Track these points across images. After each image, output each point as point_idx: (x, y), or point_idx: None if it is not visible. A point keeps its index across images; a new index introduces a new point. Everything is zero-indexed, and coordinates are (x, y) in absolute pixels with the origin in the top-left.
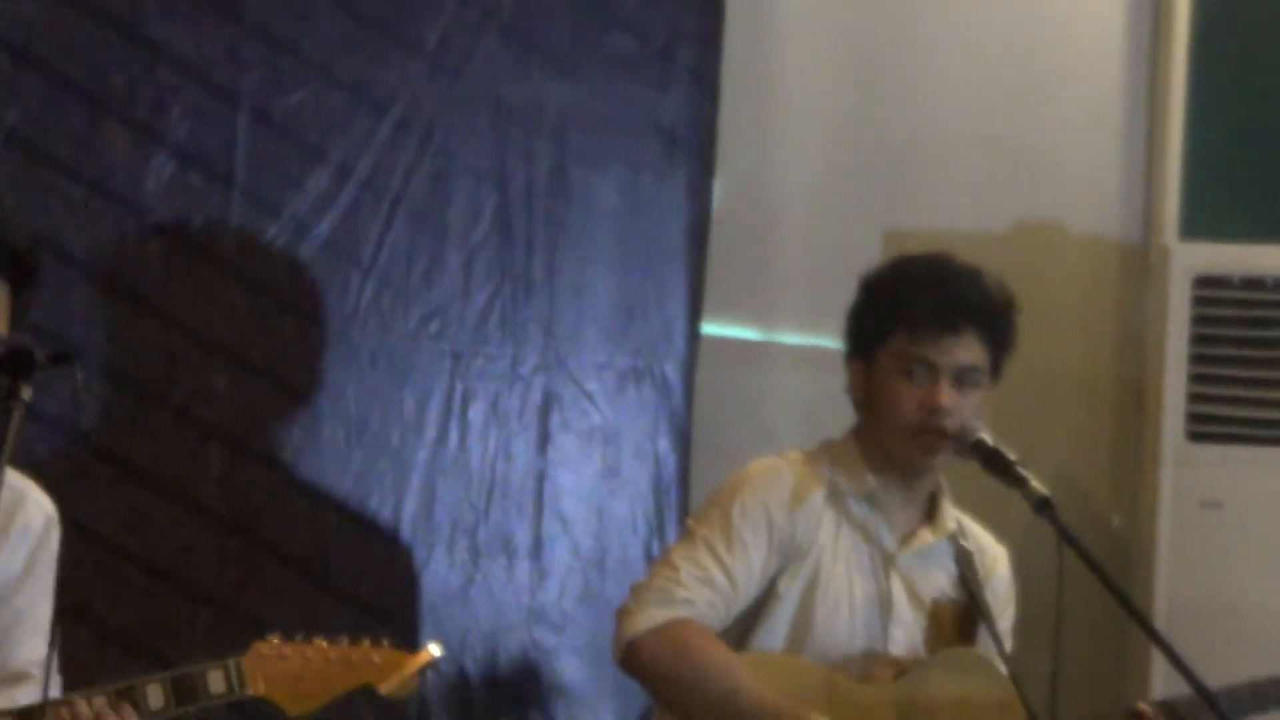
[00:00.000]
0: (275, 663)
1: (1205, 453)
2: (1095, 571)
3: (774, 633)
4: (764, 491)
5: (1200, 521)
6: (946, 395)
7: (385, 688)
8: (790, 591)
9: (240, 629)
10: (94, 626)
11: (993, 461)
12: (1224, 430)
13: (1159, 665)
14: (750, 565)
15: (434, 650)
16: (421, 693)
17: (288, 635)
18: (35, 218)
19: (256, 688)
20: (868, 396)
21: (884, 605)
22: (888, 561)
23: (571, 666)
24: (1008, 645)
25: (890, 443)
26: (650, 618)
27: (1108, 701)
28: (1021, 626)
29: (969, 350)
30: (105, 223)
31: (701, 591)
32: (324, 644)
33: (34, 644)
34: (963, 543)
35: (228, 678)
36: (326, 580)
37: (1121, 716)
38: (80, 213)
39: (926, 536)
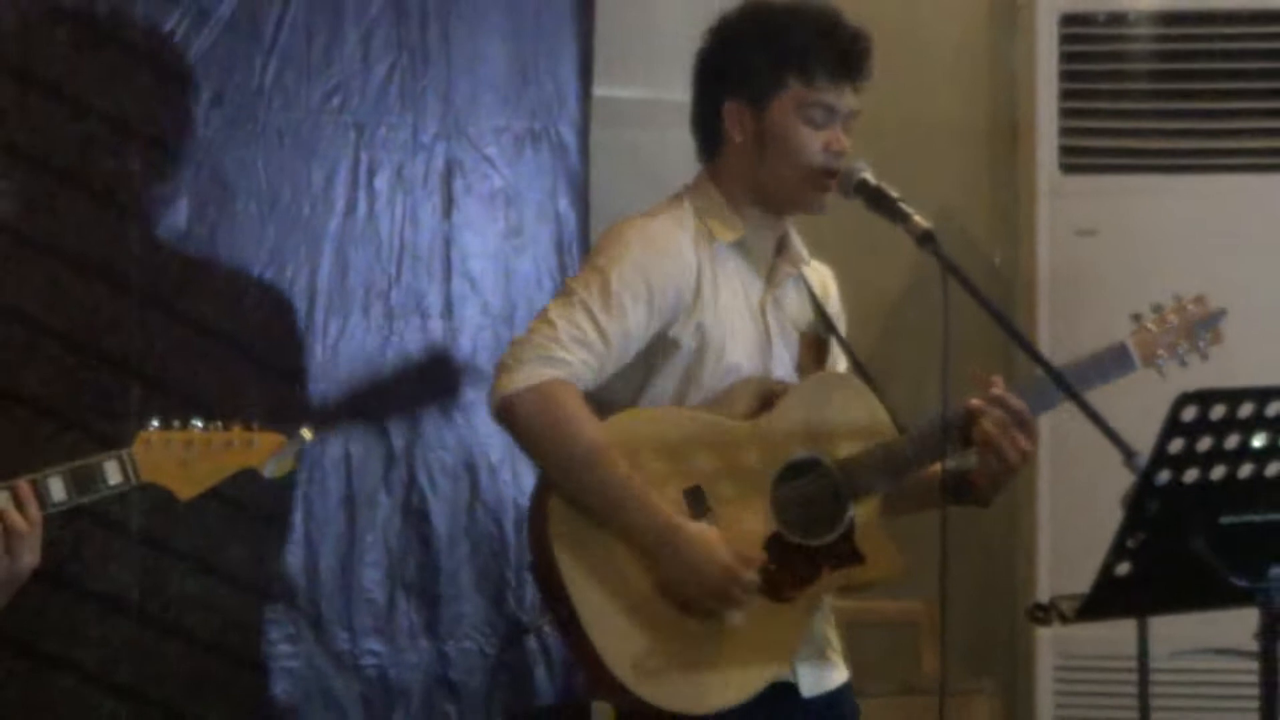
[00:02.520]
0: (162, 450)
1: (1078, 183)
2: (976, 297)
3: (667, 382)
4: (640, 252)
5: (1076, 249)
6: (844, 138)
7: (266, 469)
8: (683, 340)
9: (170, 402)
10: (28, 405)
11: (876, 199)
12: (1094, 161)
13: None
14: (627, 327)
15: (306, 434)
16: (350, 453)
17: (167, 422)
18: None
19: (150, 475)
20: (754, 140)
21: (762, 345)
22: (762, 303)
23: (487, 419)
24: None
25: (781, 183)
26: (527, 376)
27: None
28: (911, 358)
29: (854, 96)
30: (9, 11)
31: (578, 352)
32: (203, 430)
33: None
34: (808, 272)
35: (123, 468)
36: (249, 349)
37: (958, 415)
38: None
39: (789, 270)
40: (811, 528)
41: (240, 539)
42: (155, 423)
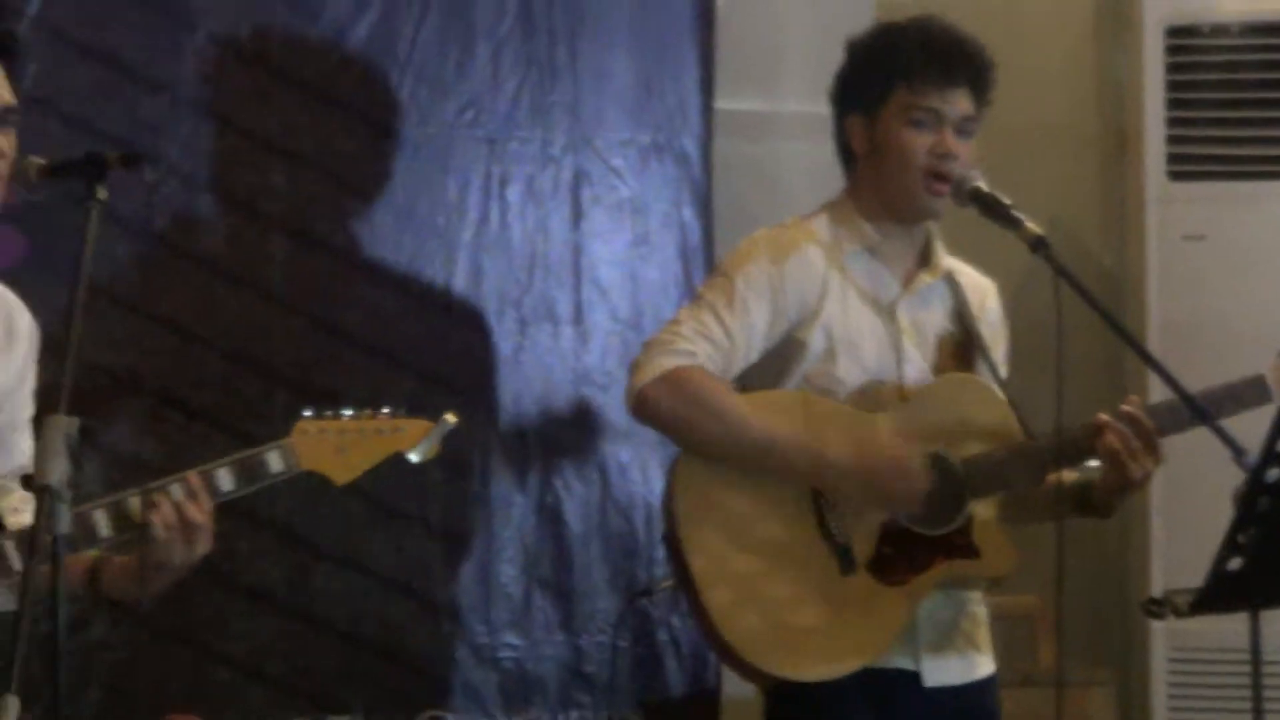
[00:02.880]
0: (318, 439)
1: (1185, 190)
2: (1088, 301)
3: (796, 378)
4: (767, 259)
5: (1184, 254)
6: (953, 141)
7: (413, 453)
8: (811, 341)
9: (313, 404)
10: (180, 408)
11: (990, 206)
12: (1201, 168)
13: (1155, 393)
14: (750, 324)
15: (450, 418)
16: (485, 450)
17: (319, 411)
18: (100, 37)
19: (307, 463)
20: (871, 150)
21: (895, 347)
22: (893, 306)
23: (617, 420)
24: (1003, 372)
25: (898, 190)
26: (656, 367)
27: None
28: (1023, 362)
29: (965, 101)
30: (162, 36)
31: (701, 344)
32: (354, 418)
33: (28, 440)
34: (958, 279)
35: (284, 457)
36: (388, 354)
37: (1086, 428)
38: (138, 29)
39: (925, 278)
40: (930, 519)
41: (383, 536)
42: (309, 412)
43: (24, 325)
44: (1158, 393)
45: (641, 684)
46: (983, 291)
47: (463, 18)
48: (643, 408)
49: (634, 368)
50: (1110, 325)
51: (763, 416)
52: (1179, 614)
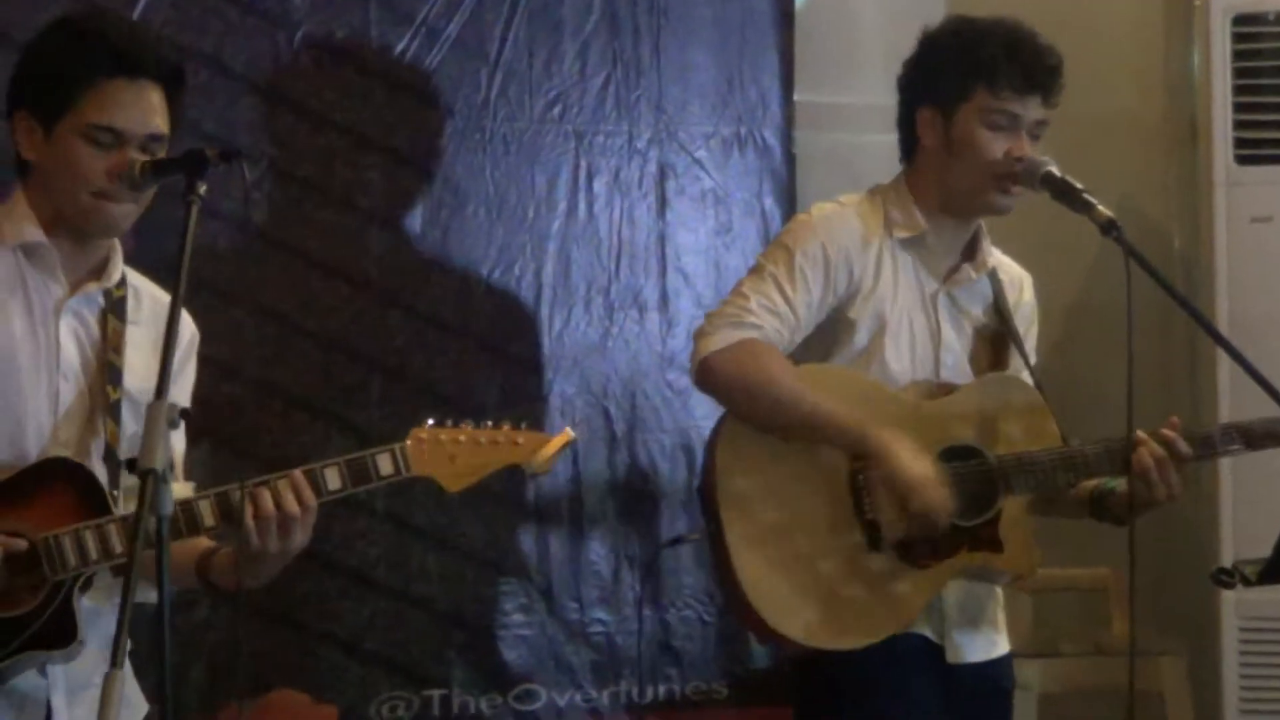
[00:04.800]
0: (433, 446)
1: (1253, 174)
2: (1159, 281)
3: (845, 357)
4: (824, 234)
5: (1252, 235)
6: (1028, 146)
7: (528, 466)
8: (860, 321)
9: (408, 392)
10: (281, 397)
11: (1062, 190)
12: (1268, 152)
13: (1224, 371)
14: (810, 298)
15: (569, 433)
16: (576, 437)
17: (440, 420)
18: (198, 38)
19: (420, 468)
20: (943, 145)
21: (934, 335)
22: (934, 298)
23: (701, 403)
24: (1033, 361)
25: (967, 187)
26: (723, 338)
27: (1181, 412)
28: (1094, 345)
29: (1040, 108)
30: (260, 38)
31: (768, 319)
32: (472, 428)
33: (178, 437)
34: (1000, 276)
35: (394, 460)
36: (481, 342)
37: (1123, 441)
38: (236, 30)
39: (970, 273)
40: (964, 508)
41: (476, 517)
42: (431, 421)
43: (182, 332)
44: (1226, 373)
45: (728, 657)
46: (1019, 284)
47: (550, 17)
48: (706, 376)
49: (699, 336)
50: (1181, 305)
51: (818, 392)
52: (1247, 583)
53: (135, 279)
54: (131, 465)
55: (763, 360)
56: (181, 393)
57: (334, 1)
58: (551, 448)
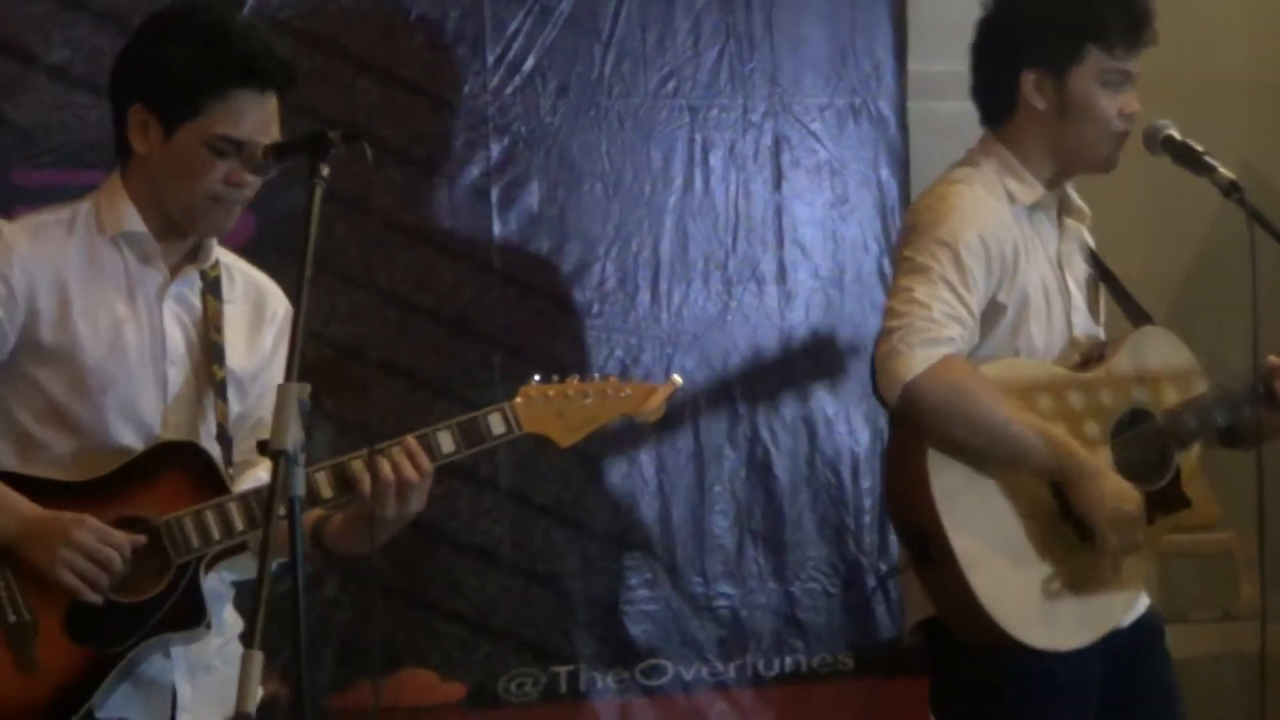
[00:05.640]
0: (541, 402)
1: None
2: None
3: (993, 340)
4: (975, 223)
5: None
6: (1136, 101)
7: (638, 415)
8: (1010, 302)
9: (530, 369)
10: (400, 376)
11: (1183, 153)
12: None
13: None
14: (980, 296)
15: (676, 380)
16: (695, 407)
17: (546, 377)
18: (313, 22)
19: (531, 426)
20: (1055, 107)
21: (1064, 295)
22: (1059, 256)
23: (820, 375)
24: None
25: (1086, 147)
26: (923, 358)
27: None
28: (1216, 307)
29: (1140, 60)
30: (375, 20)
31: (956, 329)
32: (579, 381)
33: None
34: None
35: (506, 420)
36: (601, 318)
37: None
38: (352, 14)
39: (1072, 224)
40: (1145, 473)
41: (600, 493)
42: (537, 377)
43: (275, 307)
44: None
45: (853, 629)
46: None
47: None
48: (911, 402)
49: (891, 357)
50: None
51: (1016, 408)
52: None
53: (226, 257)
54: (262, 447)
55: (968, 383)
56: (278, 368)
57: None
58: (659, 396)
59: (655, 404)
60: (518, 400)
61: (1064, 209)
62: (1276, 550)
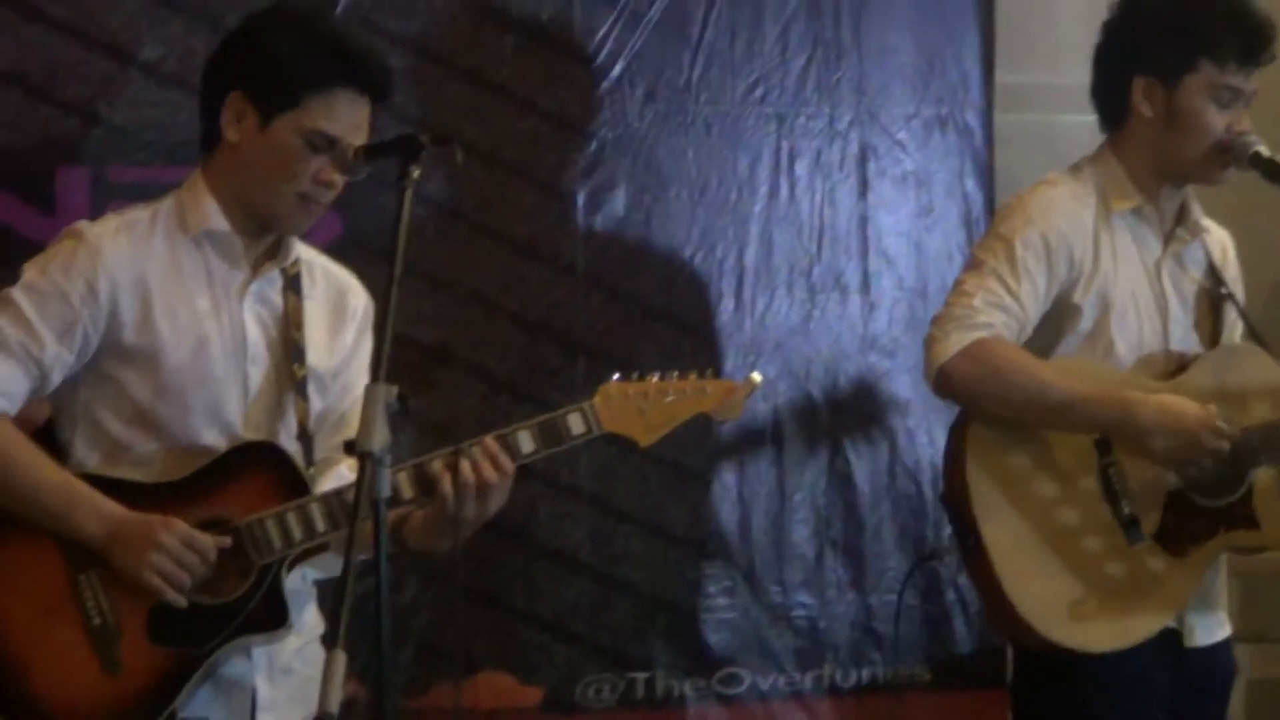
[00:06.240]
0: (621, 402)
1: None
2: None
3: (1070, 341)
4: (1041, 221)
5: None
6: (1247, 119)
7: (717, 414)
8: (1085, 305)
9: (611, 372)
10: (484, 379)
11: (1272, 170)
12: None
13: None
14: (1036, 289)
15: (756, 377)
16: (778, 415)
17: (626, 375)
18: (404, 24)
19: (610, 425)
20: (1163, 117)
21: (1160, 306)
22: (1158, 266)
23: (904, 386)
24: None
25: (1189, 160)
26: (956, 341)
27: None
28: None
29: (1255, 80)
30: (465, 24)
31: (996, 315)
32: (659, 380)
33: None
34: (1207, 238)
35: (585, 419)
36: (684, 324)
37: None
38: (443, 16)
39: (1185, 237)
40: (1213, 489)
41: (680, 499)
42: (616, 376)
43: (356, 304)
44: None
45: (930, 641)
46: (1224, 244)
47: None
48: (945, 384)
49: (930, 343)
50: None
51: (1062, 377)
52: None
53: (307, 253)
54: (350, 447)
55: (1001, 356)
56: (360, 365)
57: None
58: (739, 394)
59: (735, 402)
60: (597, 399)
61: (1181, 219)
62: None
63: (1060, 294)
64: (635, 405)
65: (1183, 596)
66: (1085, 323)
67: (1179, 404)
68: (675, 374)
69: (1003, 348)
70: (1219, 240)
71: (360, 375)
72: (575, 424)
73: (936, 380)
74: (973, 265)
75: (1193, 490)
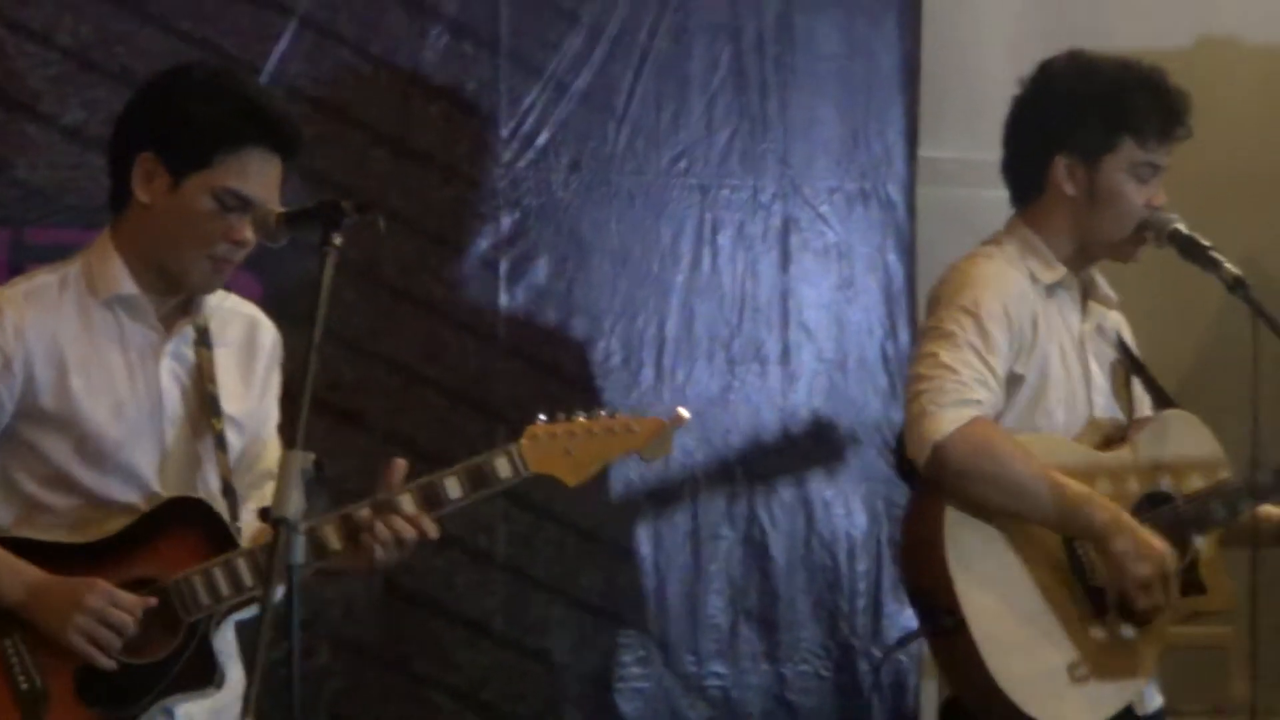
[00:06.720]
0: (548, 442)
1: None
2: None
3: (1013, 412)
4: (999, 293)
5: None
6: (1162, 194)
7: (646, 452)
8: (1027, 374)
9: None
10: (403, 445)
11: (1189, 247)
12: None
13: None
14: (1003, 362)
15: (683, 413)
16: (694, 485)
17: (552, 415)
18: (330, 90)
19: (537, 466)
20: (1084, 195)
21: (1085, 376)
22: (1081, 338)
23: (821, 458)
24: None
25: (1107, 236)
26: (953, 419)
27: None
28: (1219, 401)
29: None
30: (392, 93)
31: (983, 392)
32: (585, 419)
33: (275, 445)
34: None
35: (512, 462)
36: (603, 394)
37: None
38: (369, 84)
39: (1098, 309)
40: None
41: (595, 568)
42: (543, 417)
43: (264, 339)
44: None
45: (844, 712)
46: (1118, 315)
47: (677, 71)
48: (941, 463)
49: (920, 417)
50: None
51: (1046, 470)
52: None
53: (213, 298)
54: (265, 514)
55: (997, 444)
56: (270, 403)
57: (464, 55)
58: (668, 431)
59: (664, 439)
60: (523, 441)
61: (1089, 292)
62: (1269, 646)
63: (1010, 365)
64: (562, 445)
65: (1149, 667)
66: (1026, 391)
67: (1149, 547)
68: (602, 413)
69: (999, 433)
70: (1119, 310)
71: (271, 410)
72: (502, 467)
73: (931, 455)
74: (942, 336)
75: None
